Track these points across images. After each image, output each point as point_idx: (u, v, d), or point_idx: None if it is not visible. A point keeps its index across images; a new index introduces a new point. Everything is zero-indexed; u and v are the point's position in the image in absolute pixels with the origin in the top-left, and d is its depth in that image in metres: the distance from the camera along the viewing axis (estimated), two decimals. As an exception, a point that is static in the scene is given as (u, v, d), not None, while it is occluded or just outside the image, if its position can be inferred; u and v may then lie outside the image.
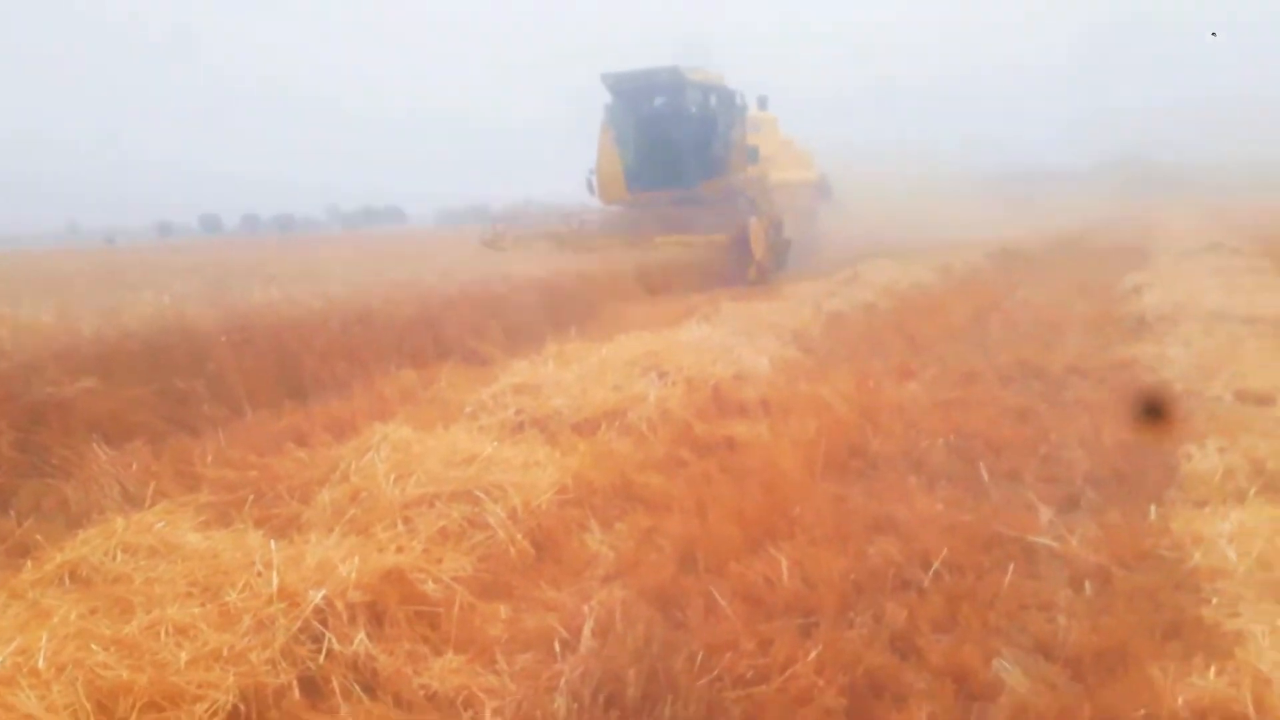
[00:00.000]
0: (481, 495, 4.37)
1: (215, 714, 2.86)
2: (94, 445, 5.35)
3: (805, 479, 4.73)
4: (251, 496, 4.72)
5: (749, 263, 14.28)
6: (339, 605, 3.38)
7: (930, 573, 3.76)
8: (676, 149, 16.33)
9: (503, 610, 3.78)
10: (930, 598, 3.59)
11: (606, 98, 17.28)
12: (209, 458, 5.41)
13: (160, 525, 3.93)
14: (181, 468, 5.34)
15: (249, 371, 6.66)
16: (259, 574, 3.50)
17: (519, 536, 4.20)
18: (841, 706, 2.91)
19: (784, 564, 3.78)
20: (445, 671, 3.33)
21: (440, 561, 3.88)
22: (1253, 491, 4.33)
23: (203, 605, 3.33)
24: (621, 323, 8.96)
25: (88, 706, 2.76)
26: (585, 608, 3.66)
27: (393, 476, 4.47)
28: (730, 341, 7.30)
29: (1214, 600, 3.44)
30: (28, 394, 5.50)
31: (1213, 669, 2.95)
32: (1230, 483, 4.49)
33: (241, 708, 2.93)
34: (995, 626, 3.42)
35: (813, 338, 8.44)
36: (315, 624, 3.30)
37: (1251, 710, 2.74)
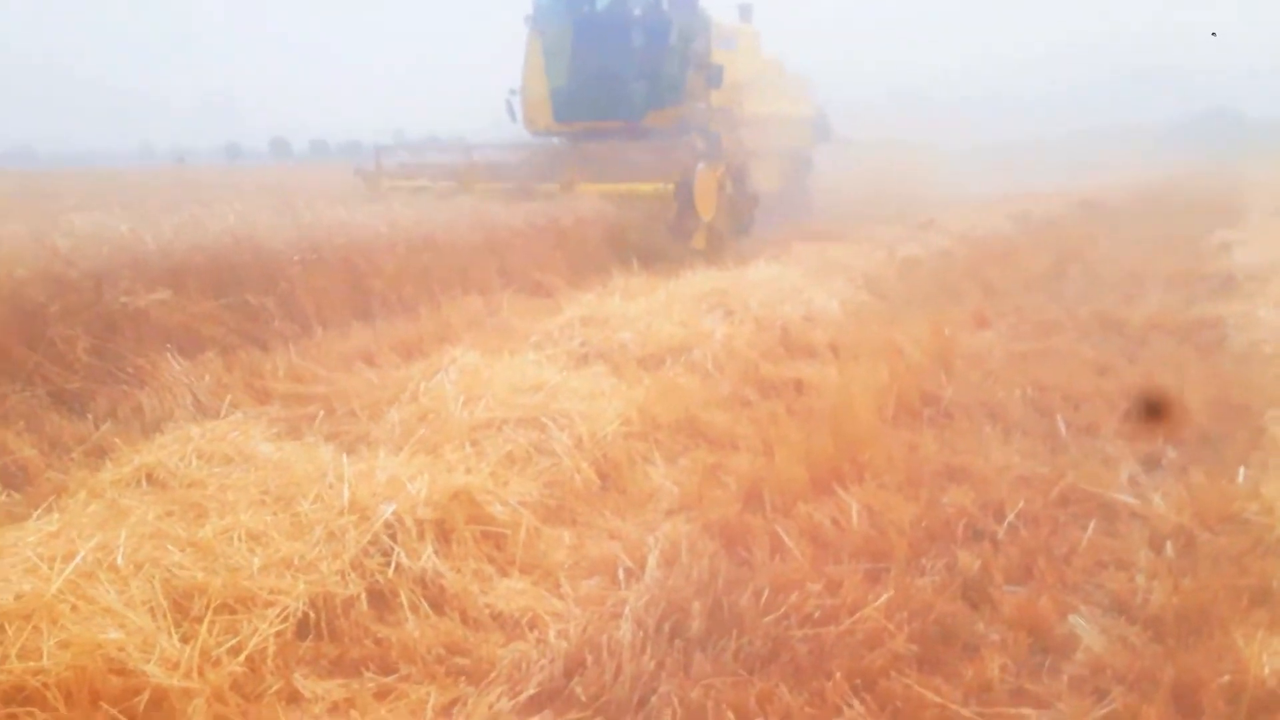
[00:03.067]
0: (548, 422, 4.35)
1: (286, 620, 2.90)
2: (167, 355, 5.44)
3: (876, 424, 4.63)
4: (321, 412, 4.78)
5: (694, 226, 10.15)
6: (408, 521, 3.40)
7: (1005, 525, 3.66)
8: (613, 67, 12.08)
9: (567, 536, 3.79)
10: (1004, 550, 3.49)
11: None
12: (279, 373, 5.48)
13: (234, 435, 3.99)
14: (252, 381, 5.41)
15: (318, 290, 6.69)
16: (330, 486, 3.54)
17: (584, 465, 4.19)
18: (911, 653, 2.85)
19: (854, 508, 3.71)
20: (510, 593, 3.36)
21: (507, 485, 3.88)
22: (1348, 459, 4.13)
23: (275, 514, 3.37)
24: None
25: (164, 604, 2.82)
26: (650, 539, 3.66)
27: (461, 399, 4.48)
28: (800, 282, 7.16)
29: (1306, 569, 3.29)
30: (102, 303, 5.59)
31: (1303, 638, 2.82)
32: (1324, 449, 4.28)
33: (311, 615, 2.97)
34: (1072, 582, 3.32)
35: (885, 282, 8.25)
36: (384, 538, 3.33)
37: (1345, 683, 2.61)
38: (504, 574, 3.48)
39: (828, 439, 4.38)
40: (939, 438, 4.63)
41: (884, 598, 3.07)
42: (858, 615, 3.00)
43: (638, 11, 12.10)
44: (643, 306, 6.27)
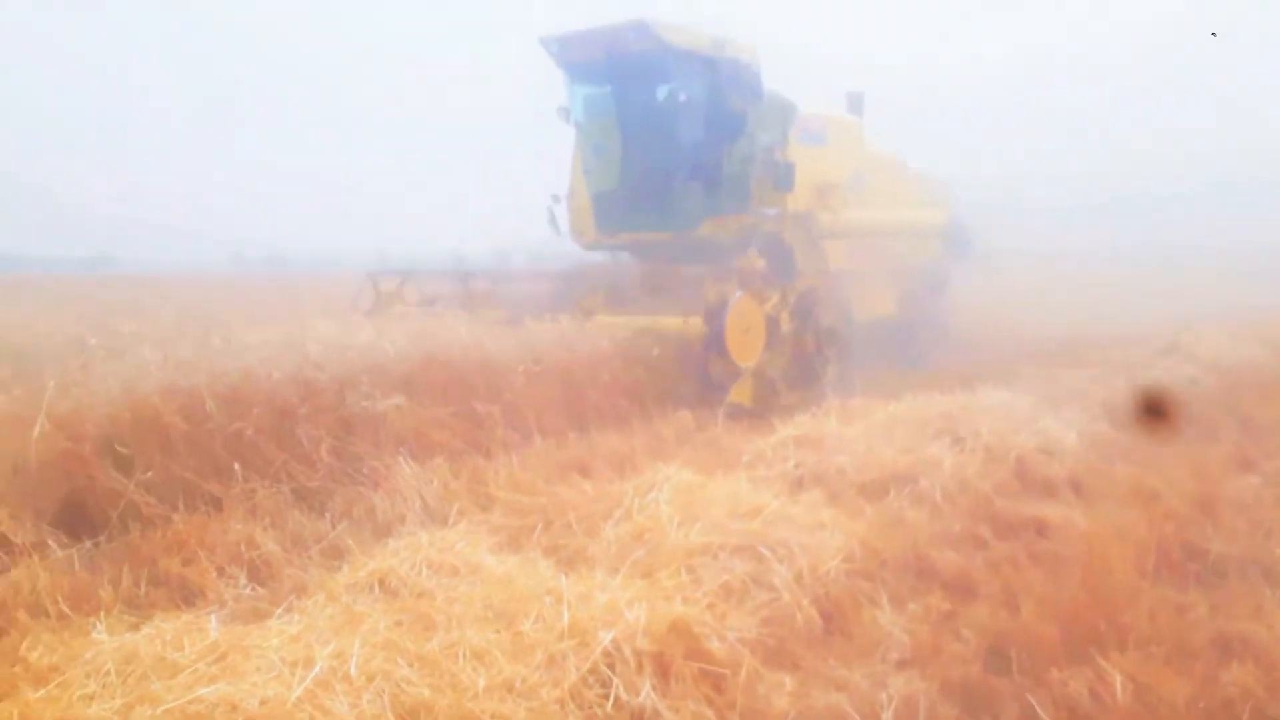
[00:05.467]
0: (766, 553, 4.18)
1: (506, 748, 2.84)
2: (400, 459, 5.69)
3: (1134, 579, 4.15)
4: (540, 524, 4.83)
5: (731, 373, 7.73)
6: (626, 651, 3.30)
7: (1304, 714, 3.13)
8: (661, 168, 9.60)
9: (788, 682, 3.55)
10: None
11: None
12: (501, 480, 5.60)
13: (461, 544, 4.06)
14: (476, 487, 5.56)
15: (538, 401, 6.88)
16: (550, 607, 3.51)
17: (805, 603, 3.96)
18: None
19: (1117, 679, 3.28)
20: (729, 740, 3.16)
21: (724, 618, 3.72)
22: None
23: (498, 631, 3.37)
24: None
25: (391, 720, 2.83)
26: (882, 695, 3.37)
27: (676, 520, 4.39)
28: (1032, 409, 6.69)
29: None
30: (344, 406, 5.94)
31: None
32: None
33: (531, 746, 2.90)
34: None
35: (1127, 412, 7.58)
36: (603, 667, 3.24)
37: None
38: (723, 718, 3.30)
39: (1080, 593, 3.96)
40: (1210, 599, 4.09)
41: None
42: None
43: (694, 100, 9.46)
44: (861, 429, 6.03)
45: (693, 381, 7.81)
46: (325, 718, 2.70)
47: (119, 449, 4.89)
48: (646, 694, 3.19)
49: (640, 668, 3.29)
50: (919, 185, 12.91)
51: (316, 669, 2.87)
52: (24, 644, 3.36)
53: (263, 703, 2.65)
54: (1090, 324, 13.18)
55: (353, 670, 2.96)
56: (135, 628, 3.45)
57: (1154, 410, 7.28)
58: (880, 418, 6.27)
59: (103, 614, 3.62)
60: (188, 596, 4.16)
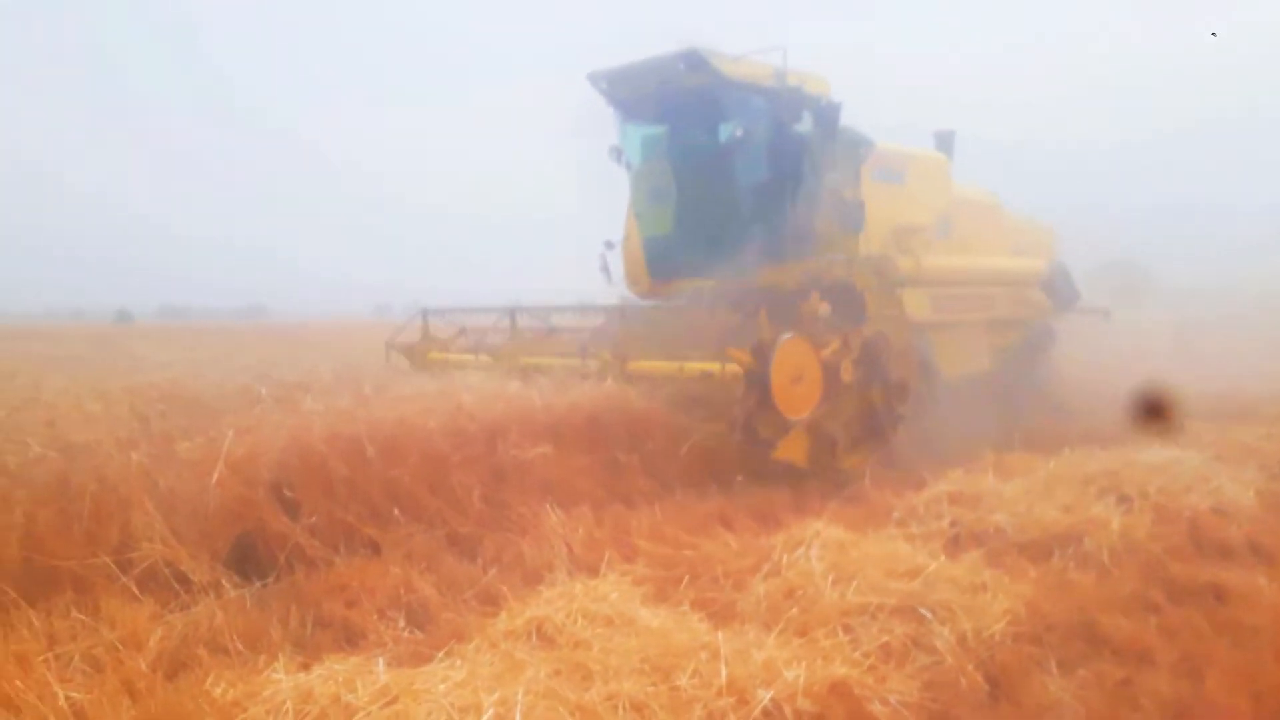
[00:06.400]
0: (927, 614, 4.05)
1: (670, 806, 2.81)
2: (547, 507, 5.79)
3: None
4: (687, 576, 4.80)
5: (778, 426, 6.78)
6: (787, 711, 3.24)
7: None
8: (716, 210, 8.83)
9: (954, 749, 3.41)
10: None
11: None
12: (644, 530, 5.61)
13: (614, 595, 4.08)
14: (620, 537, 5.58)
15: (679, 453, 6.88)
16: (706, 662, 3.48)
17: (969, 667, 3.80)
18: None
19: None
20: (894, 808, 3.04)
21: (885, 680, 3.61)
22: None
23: (654, 685, 3.36)
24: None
25: (556, 771, 2.84)
26: (1058, 766, 3.18)
27: (830, 578, 4.31)
28: (1203, 467, 6.28)
29: None
30: (494, 455, 6.11)
31: None
32: None
33: (695, 804, 2.86)
34: None
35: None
36: (762, 727, 3.18)
37: None
38: (889, 785, 3.18)
39: (1272, 667, 3.67)
40: None
41: None
42: None
43: (752, 136, 8.55)
44: (1020, 486, 5.79)
45: (731, 435, 6.93)
46: (495, 765, 2.73)
47: (286, 493, 5.14)
48: (809, 756, 3.11)
49: (801, 728, 3.21)
50: (1017, 231, 11.61)
51: (486, 717, 2.91)
52: (209, 680, 3.54)
53: (437, 748, 2.71)
54: (1255, 378, 11.36)
55: (518, 718, 3.00)
56: (306, 667, 3.59)
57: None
58: (1040, 475, 6.00)
59: (280, 654, 3.78)
60: (350, 638, 4.30)
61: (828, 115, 8.50)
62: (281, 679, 3.36)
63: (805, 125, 8.57)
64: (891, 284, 8.37)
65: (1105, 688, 3.79)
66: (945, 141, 10.78)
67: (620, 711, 3.16)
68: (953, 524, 5.33)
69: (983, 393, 9.24)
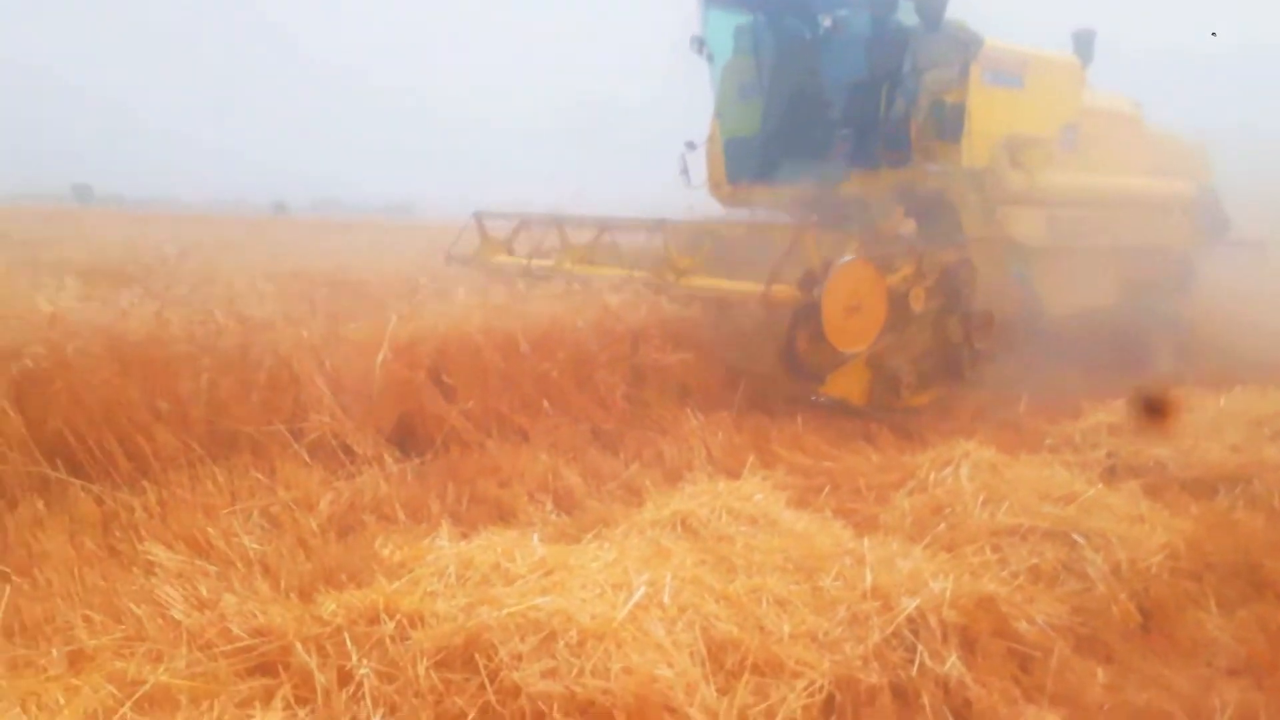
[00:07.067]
0: (1080, 540, 3.94)
1: (813, 695, 2.87)
2: (687, 411, 5.86)
3: None
4: (828, 486, 4.81)
5: (828, 359, 6.15)
6: (931, 620, 3.23)
7: None
8: (791, 105, 8.08)
9: (1101, 673, 3.35)
10: None
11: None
12: (785, 440, 5.63)
13: (758, 497, 4.13)
14: (760, 444, 5.63)
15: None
16: (850, 567, 3.50)
17: (1122, 596, 3.70)
18: None
19: None
20: (1039, 723, 3.04)
21: (1033, 601, 3.55)
22: None
23: (798, 583, 3.40)
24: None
25: (702, 651, 2.94)
26: (1214, 700, 3.10)
27: (980, 498, 4.24)
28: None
29: None
30: (637, 356, 6.18)
31: None
32: None
33: (837, 697, 2.92)
34: None
35: None
36: (906, 632, 3.20)
37: None
38: (1031, 700, 3.17)
39: None
40: None
41: None
42: None
43: (843, 25, 7.76)
44: (1185, 421, 5.51)
45: (771, 364, 6.28)
46: (645, 639, 2.85)
47: (444, 379, 5.37)
48: (952, 664, 3.12)
49: (945, 638, 3.22)
50: (1161, 149, 10.01)
51: (637, 594, 3.02)
52: (377, 541, 3.80)
53: (592, 618, 2.83)
54: None
55: (665, 599, 3.10)
56: (465, 537, 3.81)
57: None
58: (1209, 411, 5.69)
59: (441, 524, 4.00)
60: (503, 515, 4.52)
61: (932, 4, 7.37)
62: (444, 545, 3.57)
63: (906, 16, 7.57)
64: (994, 201, 7.57)
65: (1267, 631, 3.65)
66: (1084, 42, 9.34)
67: (764, 604, 3.22)
68: (1109, 454, 5.14)
69: (1105, 329, 8.28)
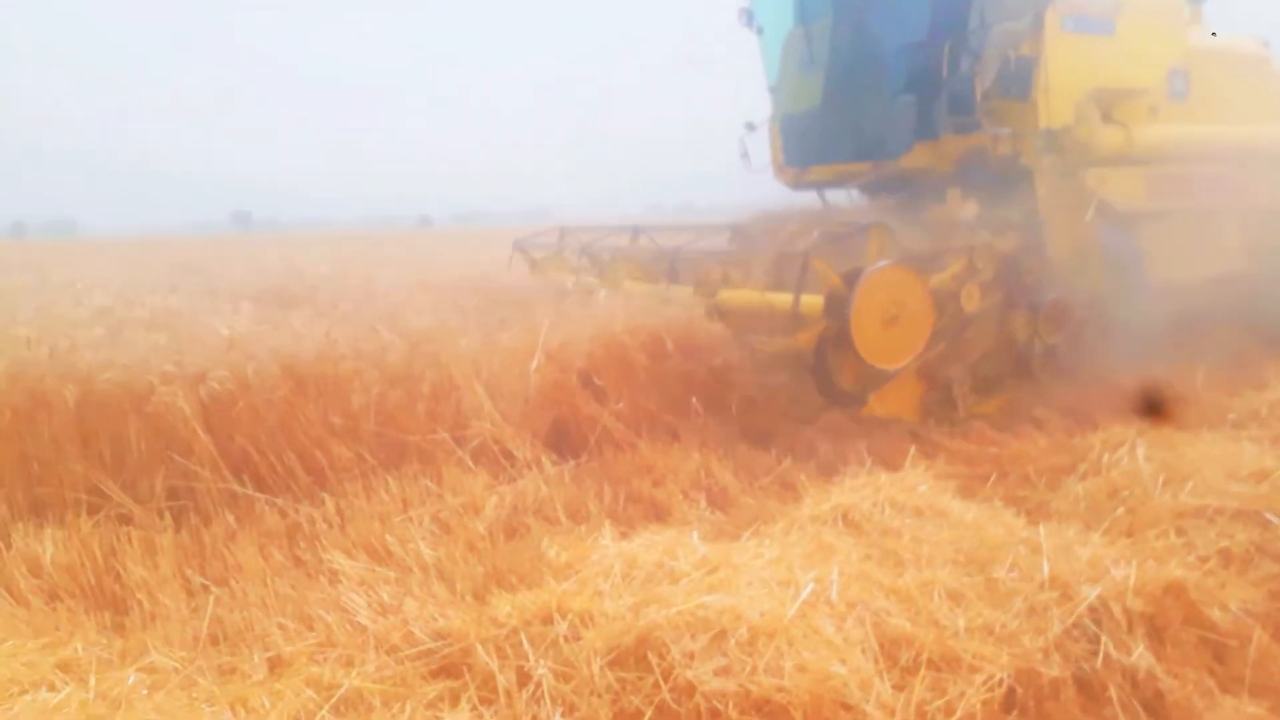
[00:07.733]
0: (1274, 520, 3.69)
1: (992, 689, 2.80)
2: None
3: None
4: (994, 474, 4.67)
5: (858, 378, 5.65)
6: (1115, 609, 3.10)
7: None
8: (844, 74, 7.39)
9: (1309, 664, 3.13)
10: None
11: None
12: (946, 427, 5.48)
13: (921, 488, 4.04)
14: (919, 431, 5.50)
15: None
16: (1025, 557, 3.39)
17: (1327, 579, 3.45)
18: None
19: None
20: (1239, 716, 2.87)
21: (1225, 586, 3.35)
22: None
23: (970, 575, 3.33)
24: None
25: (875, 647, 2.91)
26: None
27: (1160, 479, 4.03)
28: None
29: None
30: (745, 382, 6.03)
31: None
32: None
33: (1018, 691, 2.84)
34: None
35: None
36: (1088, 622, 3.07)
37: None
38: (1228, 691, 3.00)
39: None
40: None
41: None
42: None
43: None
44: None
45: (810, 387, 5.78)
46: (816, 636, 2.84)
47: (595, 381, 5.48)
48: (1140, 654, 2.98)
49: (1131, 628, 3.08)
50: None
51: (805, 591, 3.02)
52: (543, 542, 3.92)
53: (761, 615, 2.85)
54: None
55: (834, 595, 3.08)
56: (625, 536, 3.88)
57: None
58: None
59: (603, 524, 4.10)
60: (659, 514, 4.58)
61: None
62: (608, 545, 3.64)
63: None
64: (1080, 164, 6.71)
65: None
66: None
67: (936, 598, 3.16)
68: (1302, 428, 4.78)
69: (1230, 297, 7.19)
